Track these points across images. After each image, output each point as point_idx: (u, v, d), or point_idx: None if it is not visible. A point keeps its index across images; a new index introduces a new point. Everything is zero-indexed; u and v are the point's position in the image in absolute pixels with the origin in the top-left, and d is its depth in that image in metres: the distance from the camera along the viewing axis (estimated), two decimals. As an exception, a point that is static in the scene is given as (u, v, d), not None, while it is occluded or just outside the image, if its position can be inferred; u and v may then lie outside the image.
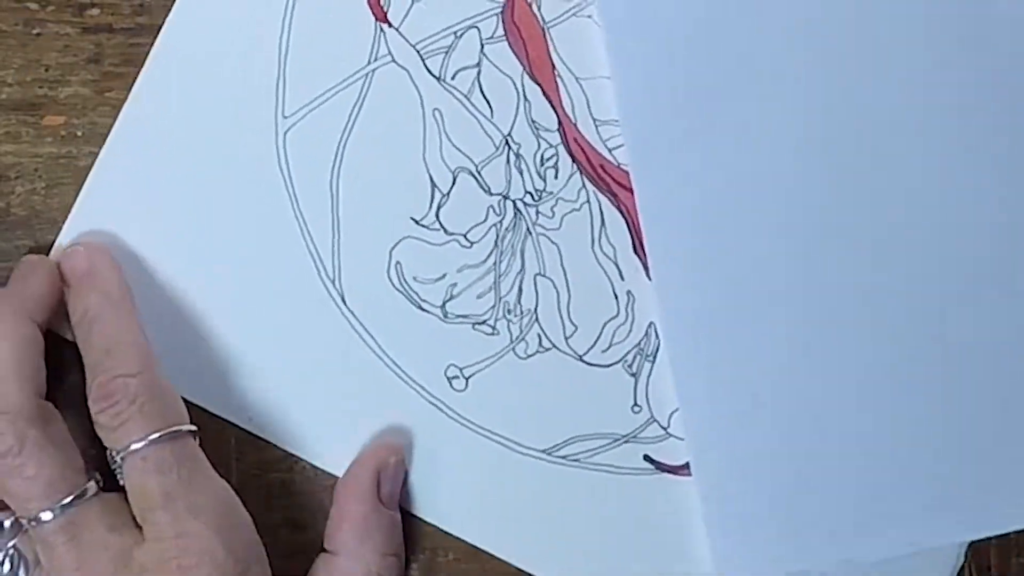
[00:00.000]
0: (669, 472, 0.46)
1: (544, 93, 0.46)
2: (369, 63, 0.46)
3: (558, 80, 0.46)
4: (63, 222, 0.46)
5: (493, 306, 0.46)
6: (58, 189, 0.46)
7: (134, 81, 0.46)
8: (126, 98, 0.46)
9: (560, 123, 0.46)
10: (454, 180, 0.46)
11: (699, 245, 0.45)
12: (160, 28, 0.46)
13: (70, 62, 0.46)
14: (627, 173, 0.46)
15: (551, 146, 0.46)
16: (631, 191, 0.46)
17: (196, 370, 0.46)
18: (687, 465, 0.46)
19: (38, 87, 0.46)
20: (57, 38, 0.46)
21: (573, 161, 0.46)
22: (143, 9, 0.47)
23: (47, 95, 0.46)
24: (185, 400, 0.44)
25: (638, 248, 0.46)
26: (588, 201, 0.46)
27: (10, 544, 0.42)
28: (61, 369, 0.45)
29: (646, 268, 0.46)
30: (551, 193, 0.46)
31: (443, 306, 0.46)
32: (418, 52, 0.46)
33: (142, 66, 0.46)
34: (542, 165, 0.46)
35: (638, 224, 0.46)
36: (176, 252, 0.46)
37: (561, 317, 0.46)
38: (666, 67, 0.45)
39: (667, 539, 0.46)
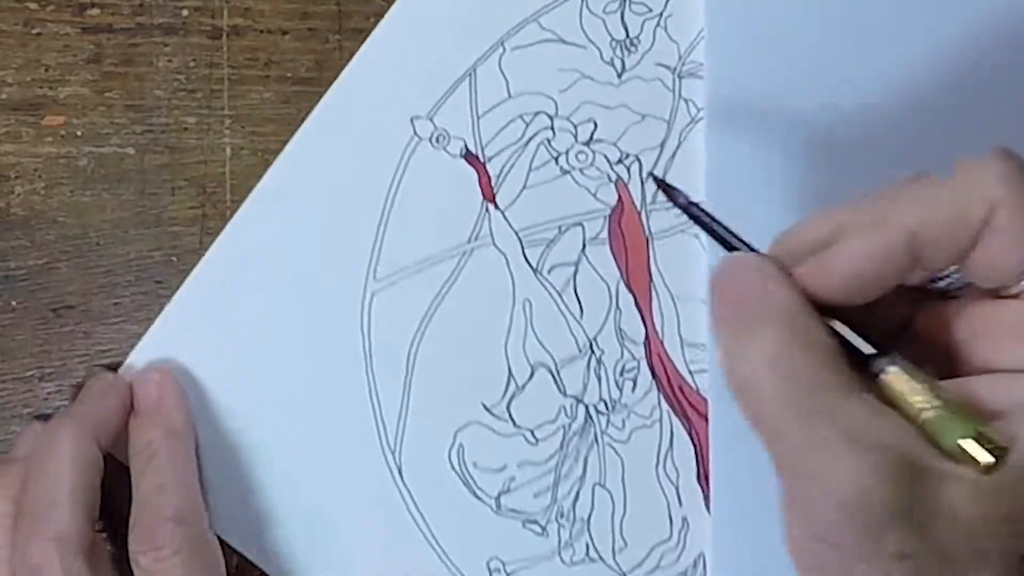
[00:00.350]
0: None
1: (637, 304, 0.46)
2: (469, 241, 0.46)
3: (653, 293, 0.46)
4: (62, 220, 0.46)
5: (548, 507, 0.46)
6: (57, 189, 0.46)
7: (132, 81, 0.46)
8: (123, 96, 0.46)
9: (647, 336, 0.46)
10: (532, 374, 0.46)
11: (764, 489, 0.45)
12: (157, 28, 0.46)
13: (70, 62, 0.46)
14: (705, 400, 0.45)
15: (634, 358, 0.46)
16: (706, 419, 0.45)
17: (240, 515, 0.45)
18: None
19: (38, 87, 0.46)
20: (57, 38, 0.46)
21: (653, 377, 0.46)
22: (143, 9, 0.47)
23: (47, 95, 0.46)
24: (220, 540, 0.44)
25: (702, 477, 0.46)
26: (660, 420, 0.46)
27: None
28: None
29: (706, 500, 0.45)
30: (625, 405, 0.46)
31: (498, 497, 0.46)
32: (519, 239, 0.46)
33: (142, 66, 0.46)
34: (622, 375, 0.46)
35: (707, 454, 0.45)
36: (243, 393, 0.45)
37: (613, 531, 0.46)
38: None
39: None
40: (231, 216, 0.46)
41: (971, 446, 0.30)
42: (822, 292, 0.33)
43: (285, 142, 0.46)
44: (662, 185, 0.37)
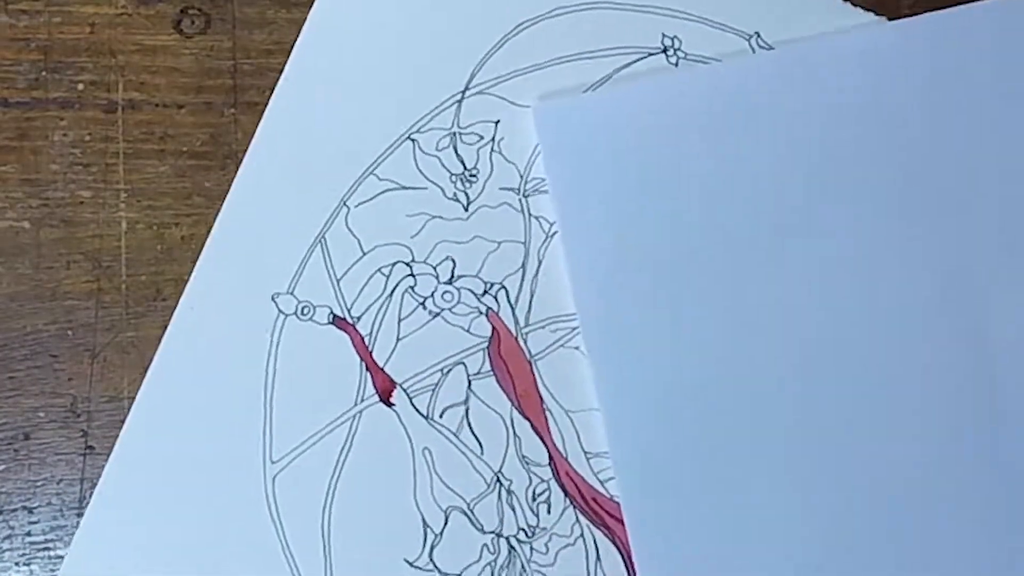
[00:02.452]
0: None
1: (534, 428, 0.46)
2: (356, 403, 0.46)
3: (547, 414, 0.46)
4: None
5: (490, 647, 0.46)
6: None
7: (28, 155, 0.46)
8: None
9: (551, 457, 0.46)
10: (446, 519, 0.46)
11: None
12: (53, 102, 0.46)
13: (-39, 135, 0.46)
14: (619, 505, 0.46)
15: (543, 480, 0.46)
16: (623, 523, 0.45)
17: None
18: None
19: (-73, 160, 0.46)
20: (-51, 111, 0.46)
21: (565, 495, 0.46)
22: (38, 83, 0.47)
23: (-62, 171, 0.46)
24: None
25: (634, 582, 0.46)
26: (582, 535, 0.46)
27: None
28: None
29: (643, 603, 0.46)
30: (544, 529, 0.46)
31: (440, 649, 0.46)
32: (405, 391, 0.46)
33: (37, 140, 0.46)
34: (534, 500, 0.46)
35: (631, 557, 0.45)
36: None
37: (560, 655, 0.46)
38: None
39: None
40: (126, 290, 0.46)
41: None
42: None
43: (180, 216, 0.46)
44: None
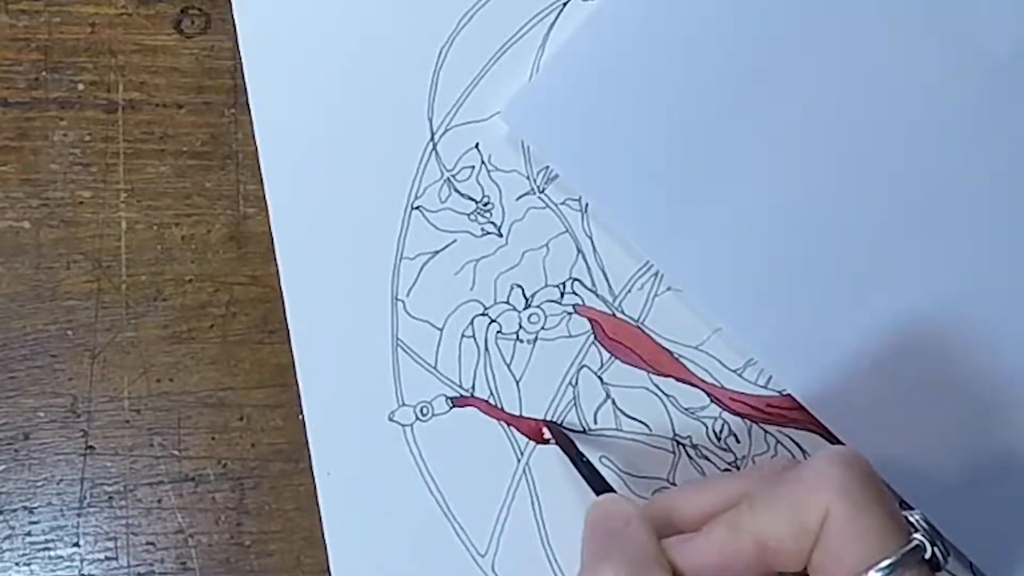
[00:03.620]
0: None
1: (678, 380, 0.46)
2: (519, 461, 0.46)
3: (681, 361, 0.46)
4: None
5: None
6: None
7: (28, 155, 0.46)
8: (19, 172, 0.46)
9: (709, 395, 0.46)
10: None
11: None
12: (53, 102, 0.46)
13: (-38, 136, 0.47)
14: (791, 397, 0.46)
15: (715, 419, 0.46)
16: (804, 412, 0.46)
17: None
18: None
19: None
20: (-53, 112, 0.47)
21: (743, 418, 0.46)
22: (38, 83, 0.47)
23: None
24: None
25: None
26: (779, 442, 0.46)
27: None
28: None
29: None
30: (744, 457, 0.46)
31: None
32: (558, 424, 0.46)
33: (37, 140, 0.47)
34: (719, 440, 0.46)
35: (830, 433, 0.46)
36: None
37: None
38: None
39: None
40: (126, 290, 0.46)
41: None
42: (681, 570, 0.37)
43: (180, 216, 0.46)
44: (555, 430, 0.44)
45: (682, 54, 0.46)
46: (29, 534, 0.46)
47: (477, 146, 0.47)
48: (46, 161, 0.47)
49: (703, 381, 0.47)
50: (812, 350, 0.45)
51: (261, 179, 0.46)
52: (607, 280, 0.47)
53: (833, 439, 0.46)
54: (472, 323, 0.46)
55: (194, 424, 0.46)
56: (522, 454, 0.46)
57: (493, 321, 0.46)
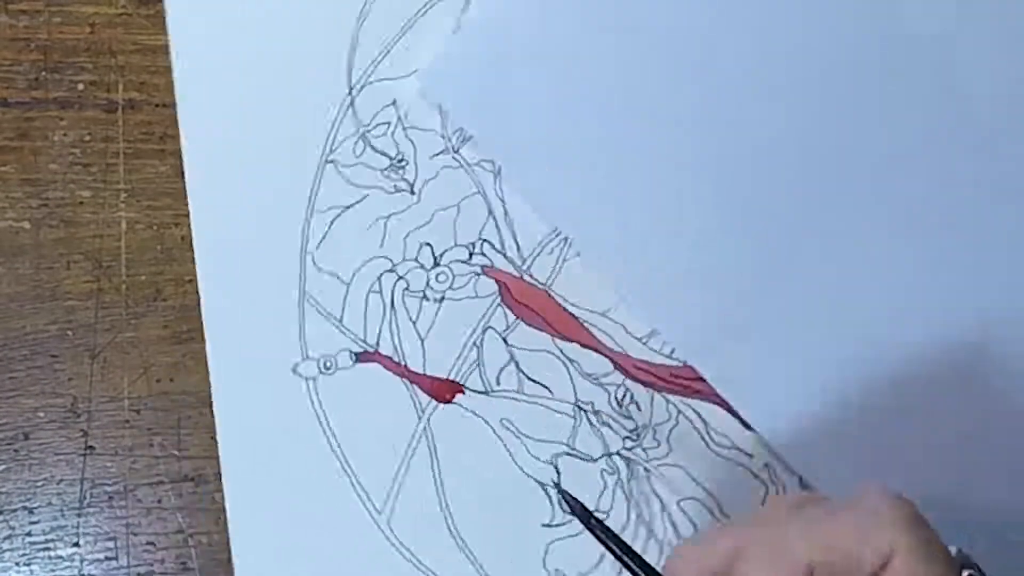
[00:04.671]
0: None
1: (583, 345, 0.46)
2: (420, 419, 0.46)
3: (586, 327, 0.46)
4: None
5: (661, 552, 0.46)
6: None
7: (28, 155, 0.46)
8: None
9: (613, 362, 0.46)
10: (557, 469, 0.46)
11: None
12: (53, 102, 0.46)
13: (-39, 136, 0.47)
14: (693, 368, 0.46)
15: (618, 386, 0.46)
16: (706, 384, 0.46)
17: None
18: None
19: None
20: (-52, 113, 0.47)
21: (645, 386, 0.46)
22: (38, 83, 0.47)
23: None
24: None
25: (746, 424, 0.46)
26: (680, 412, 0.46)
27: None
28: None
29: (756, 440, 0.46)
30: (645, 426, 0.46)
31: (618, 579, 0.46)
32: (456, 382, 0.46)
33: (37, 140, 0.47)
34: (621, 407, 0.46)
35: (732, 407, 0.46)
36: None
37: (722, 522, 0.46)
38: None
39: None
40: (126, 290, 0.46)
41: None
42: None
43: (180, 216, 0.46)
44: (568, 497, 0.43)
45: (600, 22, 0.46)
46: (29, 534, 0.46)
47: (394, 103, 0.47)
48: (46, 161, 0.47)
49: (607, 348, 0.47)
50: (712, 321, 0.45)
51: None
52: (516, 243, 0.47)
53: (734, 413, 0.46)
54: (380, 279, 0.46)
55: (194, 424, 0.46)
56: (423, 412, 0.46)
57: (401, 278, 0.46)
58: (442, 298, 0.46)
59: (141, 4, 0.47)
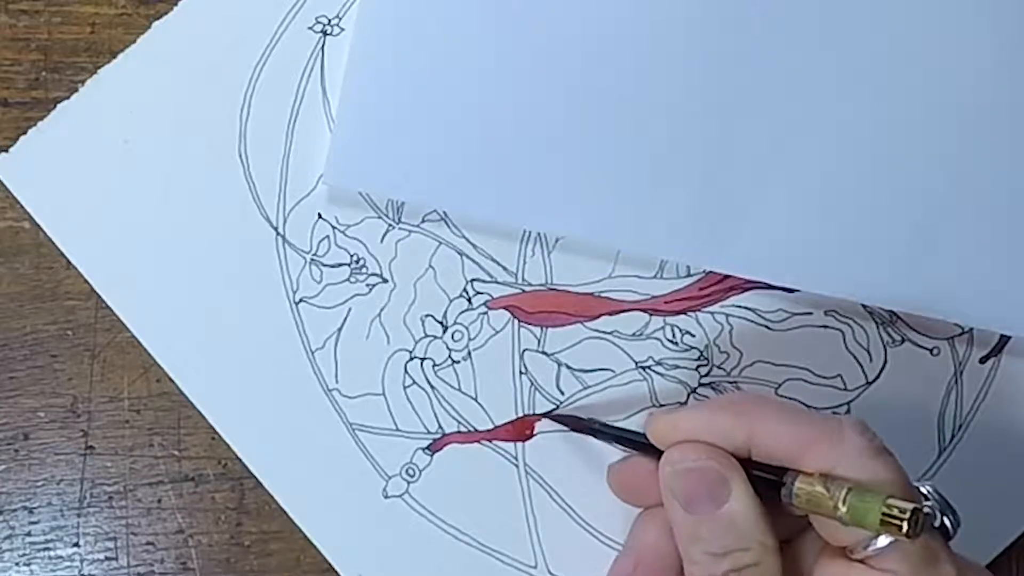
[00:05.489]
0: (1002, 350, 0.46)
1: (611, 314, 0.47)
2: (517, 467, 0.46)
3: (604, 296, 0.47)
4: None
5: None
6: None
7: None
8: None
9: (645, 311, 0.47)
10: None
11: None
12: (53, 102, 0.46)
13: (-37, 136, 0.47)
14: (713, 272, 0.46)
15: (663, 328, 0.47)
16: (734, 278, 0.46)
17: None
18: (1002, 336, 0.46)
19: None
20: (-50, 112, 0.46)
21: (686, 314, 0.47)
22: (38, 83, 0.47)
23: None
24: None
25: (788, 289, 0.46)
26: (728, 315, 0.47)
27: None
28: None
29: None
30: (707, 346, 0.47)
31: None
32: (526, 415, 0.46)
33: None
34: (677, 344, 0.47)
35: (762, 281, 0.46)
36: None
37: (824, 385, 0.47)
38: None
39: None
40: None
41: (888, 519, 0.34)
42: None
43: None
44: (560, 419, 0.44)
45: (450, 51, 0.46)
46: (29, 534, 0.46)
47: (320, 216, 0.47)
48: None
49: (633, 303, 0.47)
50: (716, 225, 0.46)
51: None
52: (500, 265, 0.47)
53: (772, 286, 0.46)
54: (407, 370, 0.46)
55: (194, 424, 0.46)
56: (517, 459, 0.46)
57: (424, 359, 0.46)
58: (468, 353, 0.47)
59: (141, 4, 0.48)
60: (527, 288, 0.47)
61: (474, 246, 0.47)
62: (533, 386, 0.46)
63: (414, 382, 0.46)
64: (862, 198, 0.45)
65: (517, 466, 0.46)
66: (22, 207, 0.46)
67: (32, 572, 0.46)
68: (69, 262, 0.46)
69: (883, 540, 0.35)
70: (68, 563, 0.46)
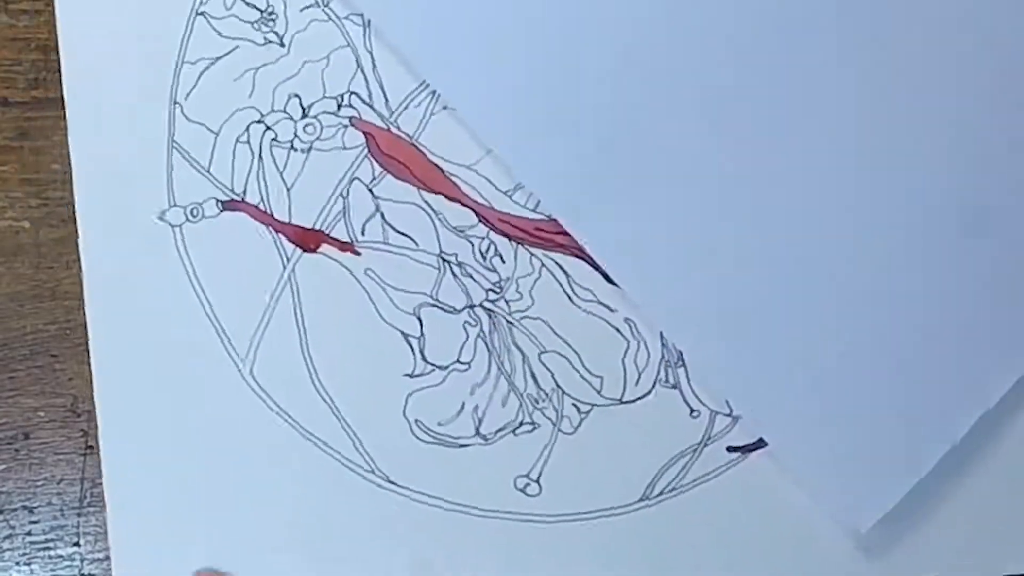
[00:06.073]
0: (755, 450, 0.46)
1: (448, 198, 0.47)
2: (284, 267, 0.47)
3: (452, 180, 0.47)
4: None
5: (520, 405, 0.46)
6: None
7: (28, 155, 0.47)
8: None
9: (477, 214, 0.47)
10: (420, 320, 0.46)
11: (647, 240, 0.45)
12: (53, 102, 0.46)
13: (-38, 136, 0.47)
14: (557, 222, 0.46)
15: (482, 238, 0.47)
16: (569, 238, 0.46)
17: None
18: (761, 439, 0.46)
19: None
20: (-52, 112, 0.47)
21: (509, 239, 0.47)
22: (38, 83, 0.47)
23: (-62, 173, 0.47)
24: None
25: (611, 278, 0.46)
26: (544, 265, 0.47)
27: None
28: None
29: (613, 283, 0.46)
30: (508, 278, 0.47)
31: (478, 433, 0.46)
32: (320, 231, 0.47)
33: (38, 140, 0.47)
34: (484, 259, 0.47)
35: (594, 258, 0.46)
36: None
37: (583, 377, 0.46)
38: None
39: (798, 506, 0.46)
40: None
41: None
42: None
43: None
44: None
45: None
46: (29, 534, 0.46)
47: (267, -47, 0.47)
48: (46, 161, 0.47)
49: (473, 201, 0.47)
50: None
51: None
52: (384, 95, 0.47)
53: (597, 267, 0.46)
54: (248, 129, 0.47)
55: None
56: (288, 261, 0.46)
57: (269, 128, 0.47)
58: (310, 148, 0.47)
59: None
60: (393, 130, 0.47)
61: (375, 66, 0.47)
62: (343, 212, 0.47)
63: (248, 142, 0.47)
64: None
65: (284, 268, 0.47)
66: (22, 207, 0.47)
67: (32, 572, 0.46)
68: (69, 262, 0.47)
69: None
70: (68, 563, 0.46)
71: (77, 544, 0.46)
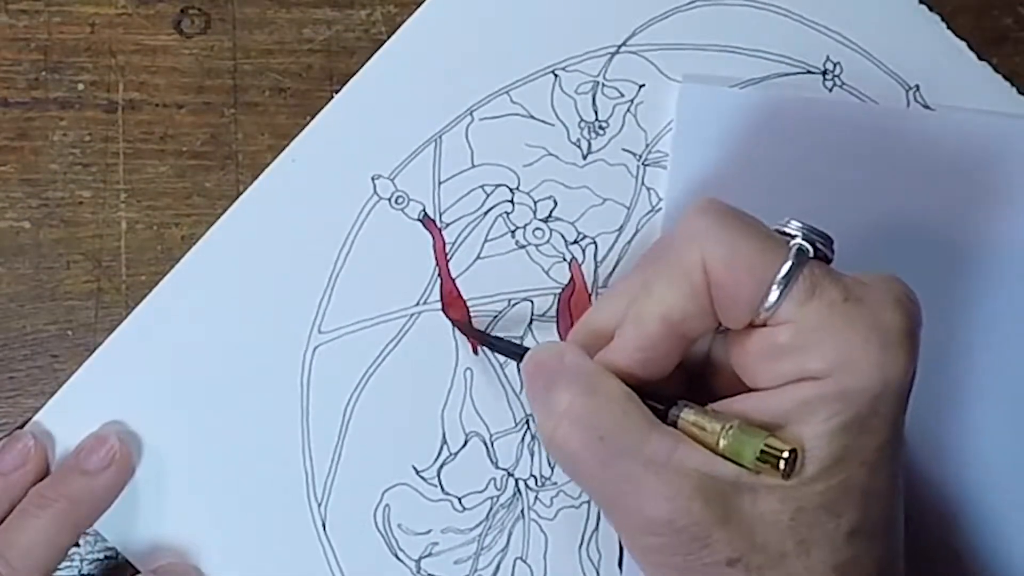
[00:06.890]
0: None
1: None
2: (418, 304, 0.46)
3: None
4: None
5: (467, 575, 0.46)
6: (-42, 274, 0.46)
7: (28, 155, 0.46)
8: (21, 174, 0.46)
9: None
10: (465, 443, 0.46)
11: None
12: (53, 102, 0.47)
13: (-38, 135, 0.47)
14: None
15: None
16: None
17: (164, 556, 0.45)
18: None
19: (-72, 163, 0.46)
20: (-52, 112, 0.47)
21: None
22: (38, 83, 0.47)
23: (-63, 171, 0.46)
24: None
25: (622, 563, 0.46)
26: (588, 502, 0.46)
27: None
28: None
29: (625, 584, 0.46)
30: (555, 483, 0.46)
31: (419, 560, 0.46)
32: (467, 308, 0.46)
33: (37, 140, 0.47)
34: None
35: (629, 540, 0.46)
36: (170, 436, 0.46)
37: (532, 603, 0.46)
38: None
39: None
40: (126, 290, 0.46)
41: (767, 457, 0.35)
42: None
43: (180, 216, 0.46)
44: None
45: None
46: None
47: (641, 87, 0.48)
48: (46, 161, 0.47)
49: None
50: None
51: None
52: (613, 269, 0.47)
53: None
54: (497, 187, 0.47)
55: None
56: (423, 303, 0.46)
57: (511, 202, 0.47)
58: (524, 247, 0.47)
59: (141, 4, 0.47)
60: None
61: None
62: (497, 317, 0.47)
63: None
64: None
65: (416, 306, 0.46)
66: (22, 207, 0.46)
67: (32, 571, 0.46)
68: (69, 262, 0.46)
69: (773, 296, 0.35)
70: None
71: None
